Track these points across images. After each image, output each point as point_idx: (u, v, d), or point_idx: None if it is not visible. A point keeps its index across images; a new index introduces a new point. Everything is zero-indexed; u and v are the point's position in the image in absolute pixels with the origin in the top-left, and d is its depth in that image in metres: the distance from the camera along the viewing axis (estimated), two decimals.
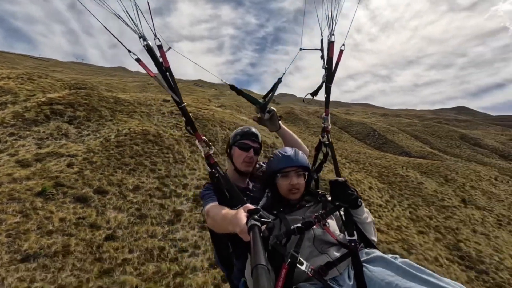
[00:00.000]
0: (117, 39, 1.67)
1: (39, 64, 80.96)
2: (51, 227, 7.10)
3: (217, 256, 2.12)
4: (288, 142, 2.24)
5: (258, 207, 1.27)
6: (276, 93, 2.26)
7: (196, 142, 1.83)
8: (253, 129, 2.09)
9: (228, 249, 1.94)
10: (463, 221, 15.75)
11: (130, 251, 7.14)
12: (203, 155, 1.82)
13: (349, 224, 1.61)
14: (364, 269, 1.40)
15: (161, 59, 1.71)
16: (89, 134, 12.57)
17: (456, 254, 12.50)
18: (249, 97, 2.10)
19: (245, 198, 1.74)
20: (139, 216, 8.44)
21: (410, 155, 37.08)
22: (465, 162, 36.81)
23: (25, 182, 8.43)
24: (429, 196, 18.59)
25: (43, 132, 11.79)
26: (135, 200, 9.01)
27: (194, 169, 12.08)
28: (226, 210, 1.55)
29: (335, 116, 63.89)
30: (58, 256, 6.33)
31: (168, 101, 20.86)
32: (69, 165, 9.71)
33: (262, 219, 1.16)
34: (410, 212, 16.11)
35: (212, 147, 1.87)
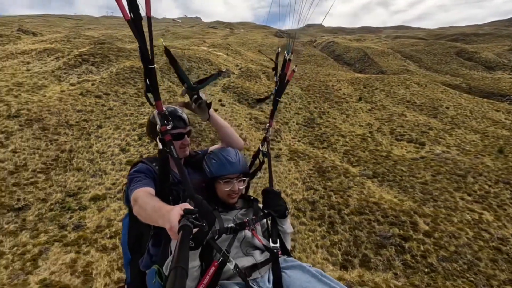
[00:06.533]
0: None
1: (75, 23, 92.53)
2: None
3: (127, 236, 2.03)
4: (221, 133, 2.11)
5: (195, 209, 1.19)
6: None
7: (155, 112, 1.59)
8: (179, 113, 1.91)
9: (149, 230, 1.84)
10: (343, 109, 23.52)
11: (125, 115, 17.32)
12: (158, 129, 1.57)
13: (274, 232, 1.76)
14: (283, 274, 1.54)
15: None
16: (103, 71, 22.55)
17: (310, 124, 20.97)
18: (181, 73, 1.79)
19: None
20: (139, 105, 18.50)
21: (384, 73, 41.85)
22: (416, 76, 40.84)
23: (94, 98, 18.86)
24: (337, 97, 26.03)
25: (80, 70, 22.02)
26: (131, 92, 19.04)
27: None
28: (159, 202, 1.43)
29: (337, 44, 66.52)
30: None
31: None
32: (92, 84, 19.91)
33: (196, 222, 1.12)
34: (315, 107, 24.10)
35: (171, 123, 1.66)
